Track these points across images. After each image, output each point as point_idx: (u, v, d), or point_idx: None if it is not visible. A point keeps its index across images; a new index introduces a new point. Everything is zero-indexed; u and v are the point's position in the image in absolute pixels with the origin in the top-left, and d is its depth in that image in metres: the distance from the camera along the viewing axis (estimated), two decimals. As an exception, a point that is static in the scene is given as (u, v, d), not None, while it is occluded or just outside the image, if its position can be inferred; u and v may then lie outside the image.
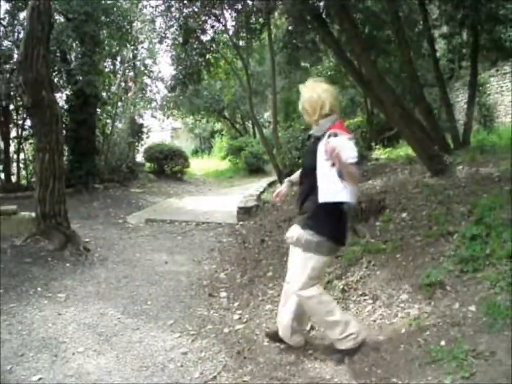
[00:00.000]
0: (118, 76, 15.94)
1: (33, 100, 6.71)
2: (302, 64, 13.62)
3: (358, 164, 3.15)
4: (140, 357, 3.87)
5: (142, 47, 18.16)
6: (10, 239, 6.88)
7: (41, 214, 6.86)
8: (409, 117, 8.31)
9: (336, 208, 3.28)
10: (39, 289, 5.46)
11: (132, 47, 16.39)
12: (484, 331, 3.08)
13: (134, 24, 15.64)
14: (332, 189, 3.18)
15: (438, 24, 10.29)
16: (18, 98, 11.41)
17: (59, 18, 12.53)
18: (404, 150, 11.77)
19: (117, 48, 15.49)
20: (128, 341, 4.17)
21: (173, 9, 12.49)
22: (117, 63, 16.41)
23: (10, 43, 11.93)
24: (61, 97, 13.09)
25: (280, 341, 3.73)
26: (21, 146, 12.79)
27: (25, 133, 12.72)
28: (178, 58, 13.41)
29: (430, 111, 9.60)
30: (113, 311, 4.88)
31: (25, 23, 6.99)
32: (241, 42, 14.40)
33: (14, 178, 12.66)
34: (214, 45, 13.80)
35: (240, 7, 12.11)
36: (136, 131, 17.12)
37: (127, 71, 16.93)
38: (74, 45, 12.93)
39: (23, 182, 12.81)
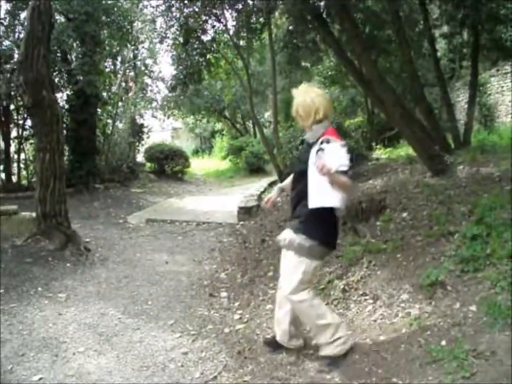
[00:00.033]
0: (119, 75, 15.95)
1: (34, 99, 6.71)
2: (303, 64, 13.64)
3: (349, 171, 3.20)
4: (140, 356, 3.87)
5: (143, 47, 18.19)
6: (11, 239, 6.88)
7: (42, 214, 6.86)
8: (410, 116, 8.31)
9: (328, 213, 3.28)
10: (39, 289, 5.46)
11: (133, 47, 16.39)
12: (485, 331, 3.08)
13: (135, 24, 15.65)
14: (322, 194, 3.20)
15: (439, 23, 10.28)
16: (19, 98, 11.41)
17: (59, 18, 12.54)
18: (405, 149, 11.77)
19: (118, 48, 15.50)
20: (128, 341, 4.17)
21: (173, 9, 12.49)
22: (118, 63, 16.42)
23: (10, 43, 11.93)
24: (62, 97, 13.12)
25: (279, 346, 3.72)
26: (21, 146, 12.80)
27: (25, 133, 12.73)
28: (179, 58, 13.40)
29: (430, 111, 9.60)
30: (113, 311, 4.88)
31: (25, 23, 6.99)
32: (241, 42, 14.40)
33: (14, 178, 12.67)
34: (214, 45, 13.79)
35: (240, 6, 12.12)
36: (137, 131, 17.13)
37: (127, 71, 16.93)
38: (74, 45, 12.93)
39: (24, 182, 12.81)
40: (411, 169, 8.53)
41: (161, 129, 23.91)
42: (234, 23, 13.24)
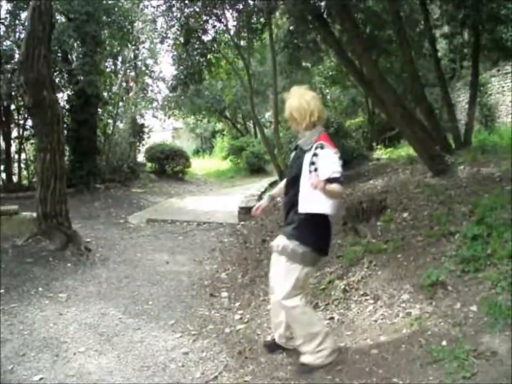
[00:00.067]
0: (119, 75, 15.95)
1: (35, 100, 6.71)
2: (304, 64, 13.64)
3: (341, 179, 3.19)
4: (141, 356, 3.87)
5: (143, 47, 18.18)
6: (11, 239, 6.88)
7: (43, 214, 6.86)
8: (411, 117, 8.31)
9: (321, 219, 3.29)
10: (40, 289, 5.46)
11: (133, 47, 16.38)
12: (485, 331, 3.08)
13: (135, 24, 15.65)
14: (312, 200, 3.21)
15: (439, 24, 10.28)
16: (20, 98, 11.40)
17: (60, 18, 12.54)
18: (405, 150, 11.78)
19: (118, 48, 15.50)
20: (129, 341, 4.17)
21: (174, 9, 12.49)
22: (118, 63, 16.42)
23: (11, 43, 11.93)
24: (62, 97, 13.13)
25: (279, 347, 3.72)
26: (22, 146, 12.79)
27: (26, 133, 12.72)
28: (180, 58, 13.41)
29: (431, 111, 9.61)
30: (114, 311, 4.89)
31: (26, 23, 6.99)
32: (242, 42, 14.41)
33: (15, 178, 12.66)
34: (215, 45, 13.79)
35: (241, 7, 12.12)
36: (138, 131, 17.13)
37: (128, 71, 16.93)
38: (75, 45, 12.94)
39: (24, 182, 12.81)
40: (412, 170, 8.54)
41: (162, 129, 23.93)
42: (235, 23, 13.26)
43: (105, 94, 14.52)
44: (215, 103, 23.46)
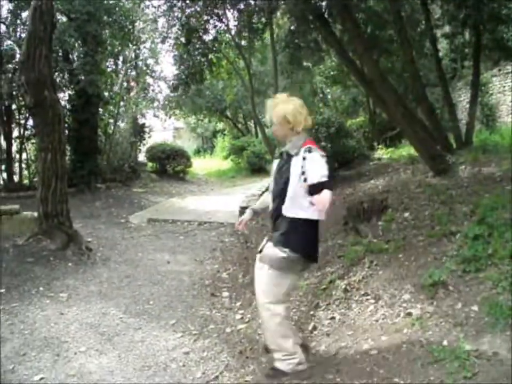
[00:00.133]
0: (120, 75, 15.94)
1: (36, 99, 6.72)
2: (304, 63, 13.63)
3: (331, 181, 3.19)
4: (142, 356, 3.88)
5: (144, 47, 18.17)
6: (12, 239, 6.89)
7: (44, 213, 6.86)
8: (412, 116, 8.31)
9: (308, 225, 3.28)
10: (41, 288, 5.47)
11: (134, 47, 16.38)
12: (486, 331, 3.08)
13: (136, 23, 15.66)
14: (298, 204, 3.21)
15: (440, 23, 10.27)
16: (21, 98, 11.43)
17: (61, 18, 12.55)
18: (406, 149, 11.76)
19: (119, 47, 15.51)
20: (130, 341, 4.17)
21: (175, 9, 12.50)
22: (119, 62, 16.41)
23: (12, 43, 11.96)
24: (63, 97, 13.13)
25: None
26: (23, 146, 12.82)
27: (27, 133, 12.74)
28: (181, 58, 13.42)
29: (432, 110, 9.60)
30: (115, 310, 4.89)
31: (27, 23, 6.99)
32: (243, 42, 14.43)
33: (16, 178, 12.68)
34: (216, 45, 13.80)
35: (242, 6, 12.13)
36: (138, 131, 17.14)
37: (129, 70, 16.93)
38: (76, 44, 12.95)
39: (25, 181, 12.83)
40: (413, 169, 8.53)
41: (163, 129, 23.95)
42: (236, 22, 13.28)
43: (106, 93, 14.52)
44: (216, 103, 23.48)
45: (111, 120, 15.45)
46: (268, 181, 3.71)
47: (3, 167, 12.45)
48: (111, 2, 13.51)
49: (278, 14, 11.86)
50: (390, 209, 6.04)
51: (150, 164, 18.27)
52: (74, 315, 4.75)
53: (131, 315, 4.78)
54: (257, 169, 18.95)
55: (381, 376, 3.06)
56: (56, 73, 12.21)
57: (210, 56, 13.55)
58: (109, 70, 15.54)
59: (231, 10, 12.76)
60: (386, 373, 3.08)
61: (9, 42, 12.03)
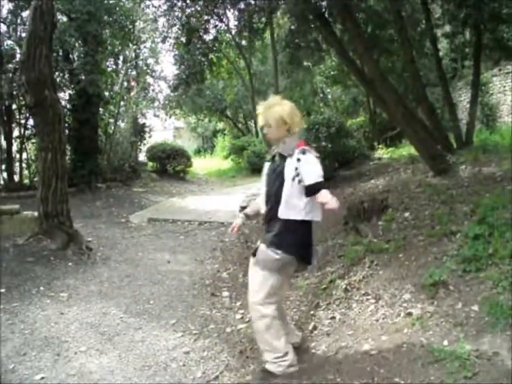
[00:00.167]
0: (121, 75, 15.96)
1: (36, 99, 6.72)
2: (305, 63, 13.64)
3: (325, 181, 3.21)
4: (142, 356, 3.88)
5: (145, 47, 18.22)
6: (12, 238, 6.89)
7: (44, 213, 6.87)
8: (412, 116, 8.31)
9: (302, 226, 3.29)
10: (41, 288, 5.47)
11: (135, 47, 16.40)
12: (487, 331, 3.08)
13: (137, 23, 15.70)
14: (292, 206, 3.22)
15: (441, 23, 10.27)
16: (21, 98, 11.44)
17: (62, 17, 12.55)
18: (407, 149, 11.77)
19: (120, 47, 15.52)
20: (130, 340, 4.17)
21: (175, 8, 12.49)
22: (120, 62, 16.43)
23: (12, 42, 11.97)
24: (64, 97, 13.14)
25: None
26: (23, 146, 12.82)
27: (27, 132, 12.75)
28: (181, 58, 13.42)
29: (432, 110, 9.60)
30: (115, 310, 4.89)
31: (28, 23, 7.00)
32: (243, 42, 14.46)
33: (16, 178, 12.69)
34: (216, 45, 13.80)
35: (242, 6, 12.10)
36: (139, 130, 17.15)
37: (129, 70, 16.95)
38: (77, 44, 12.95)
39: (26, 181, 12.83)
40: (413, 169, 8.53)
41: (163, 128, 23.98)
42: (236, 22, 13.25)
43: (106, 93, 14.53)
44: (216, 103, 23.50)
45: (112, 120, 15.45)
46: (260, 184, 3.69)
47: (3, 166, 12.45)
48: (111, 2, 13.52)
49: (278, 13, 11.85)
50: (390, 209, 6.04)
51: (150, 164, 18.27)
52: (75, 315, 4.75)
53: (131, 315, 4.78)
54: (257, 169, 18.72)
55: (381, 376, 3.06)
56: (57, 73, 12.20)
57: (210, 55, 13.55)
58: (109, 69, 15.56)
59: (231, 10, 12.76)
60: (387, 373, 3.08)
61: (9, 42, 12.06)
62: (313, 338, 3.92)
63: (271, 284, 3.28)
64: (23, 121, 12.79)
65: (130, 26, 14.63)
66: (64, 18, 12.57)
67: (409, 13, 10.40)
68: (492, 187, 5.69)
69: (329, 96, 22.24)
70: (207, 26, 13.12)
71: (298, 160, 3.19)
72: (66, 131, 11.46)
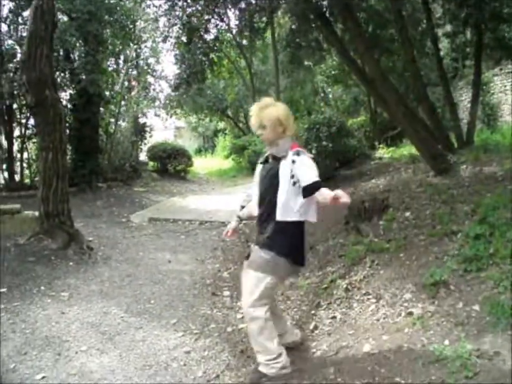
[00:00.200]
0: (121, 74, 15.96)
1: (37, 99, 6.72)
2: (305, 63, 13.63)
3: (321, 181, 3.19)
4: (143, 355, 3.88)
5: (145, 46, 18.23)
6: (13, 238, 6.89)
7: (45, 213, 6.87)
8: (413, 116, 8.31)
9: (295, 228, 3.29)
10: (42, 288, 5.47)
11: (135, 46, 16.41)
12: (488, 330, 3.07)
13: (137, 23, 15.69)
14: (290, 208, 3.22)
15: (442, 23, 10.26)
16: (22, 97, 11.44)
17: (62, 17, 12.54)
18: (408, 149, 11.76)
19: (120, 47, 15.52)
20: (131, 340, 4.17)
21: (176, 8, 12.48)
22: (120, 62, 16.44)
23: (13, 42, 11.96)
24: (64, 96, 13.12)
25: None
26: (24, 145, 12.81)
27: (28, 132, 12.74)
28: (182, 57, 13.42)
29: (433, 110, 9.59)
30: (116, 310, 4.89)
31: (28, 22, 6.99)
32: (244, 41, 14.45)
33: (17, 177, 12.68)
34: (217, 44, 13.80)
35: (243, 5, 12.11)
36: (140, 130, 17.15)
37: (130, 70, 16.95)
38: (77, 44, 12.95)
39: (27, 181, 12.82)
40: (414, 169, 8.53)
41: (164, 128, 23.97)
42: (237, 22, 13.28)
43: (107, 93, 14.54)
44: (217, 102, 23.50)
45: (112, 120, 15.46)
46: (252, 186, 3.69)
47: (4, 166, 12.45)
48: (112, 1, 13.52)
49: (279, 13, 11.85)
50: (391, 208, 6.04)
51: (151, 163, 18.28)
52: (76, 314, 4.76)
53: (132, 314, 4.78)
54: (258, 168, 18.87)
55: (382, 376, 3.06)
56: (57, 73, 12.19)
57: (211, 55, 13.53)
58: (110, 69, 15.56)
59: (232, 10, 12.76)
60: (388, 373, 3.08)
61: (10, 41, 12.04)
62: (314, 338, 3.92)
63: (265, 285, 3.27)
64: (24, 121, 12.78)
65: (131, 26, 14.64)
66: (65, 18, 12.56)
67: (410, 13, 10.39)
68: (493, 187, 5.69)
69: (330, 96, 22.24)
70: (208, 25, 13.11)
71: (293, 162, 3.19)
72: (67, 131, 11.44)
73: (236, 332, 4.28)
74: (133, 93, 17.46)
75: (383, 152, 13.05)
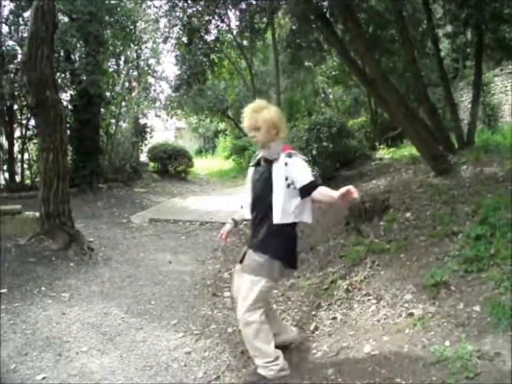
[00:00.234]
0: (122, 75, 15.96)
1: (37, 99, 6.72)
2: (306, 63, 13.64)
3: (317, 180, 3.23)
4: (143, 356, 3.88)
5: (146, 47, 18.22)
6: (14, 239, 6.89)
7: (45, 213, 6.87)
8: (413, 116, 8.31)
9: (288, 231, 3.30)
10: (43, 288, 5.47)
11: (136, 47, 16.41)
12: (488, 331, 3.07)
13: (138, 24, 15.69)
14: (287, 210, 3.23)
15: (442, 23, 10.25)
16: (23, 98, 11.44)
17: (63, 18, 12.56)
18: (408, 149, 11.76)
19: (121, 48, 15.52)
20: (131, 341, 4.17)
21: (176, 9, 12.51)
22: (121, 62, 16.44)
23: (14, 43, 11.96)
24: (65, 97, 13.13)
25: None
26: (25, 146, 12.82)
27: (29, 133, 12.75)
28: (183, 58, 13.43)
29: (434, 110, 9.59)
30: (117, 310, 4.89)
31: (29, 23, 7.00)
32: (245, 42, 14.44)
33: (18, 178, 12.69)
34: (218, 45, 13.81)
35: (244, 6, 12.12)
36: (140, 131, 17.16)
37: (130, 70, 16.95)
38: (78, 44, 12.96)
39: (27, 181, 12.83)
40: (414, 169, 8.53)
41: (165, 129, 23.98)
42: (237, 23, 13.27)
43: (108, 93, 14.55)
44: (217, 103, 23.48)
45: (113, 120, 15.47)
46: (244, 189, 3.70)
47: (5, 167, 12.46)
48: (112, 2, 13.53)
49: (280, 14, 11.85)
50: (391, 209, 6.04)
51: (151, 164, 18.30)
52: (76, 315, 4.76)
53: (133, 315, 4.78)
54: (259, 169, 18.86)
55: (383, 377, 3.06)
56: (58, 74, 12.20)
57: (212, 56, 13.55)
58: (110, 70, 15.57)
59: (233, 10, 12.78)
60: (388, 373, 3.08)
61: (11, 42, 12.05)
62: (315, 339, 3.92)
63: (260, 288, 3.26)
64: (24, 122, 12.80)
65: (132, 27, 14.64)
66: (66, 19, 12.57)
67: (411, 13, 10.40)
68: (494, 187, 5.68)
69: (331, 96, 22.23)
70: (208, 26, 13.14)
71: (286, 164, 3.20)
72: (68, 131, 11.45)
73: (236, 333, 4.27)
74: (133, 94, 17.47)
75: (383, 153, 13.05)
